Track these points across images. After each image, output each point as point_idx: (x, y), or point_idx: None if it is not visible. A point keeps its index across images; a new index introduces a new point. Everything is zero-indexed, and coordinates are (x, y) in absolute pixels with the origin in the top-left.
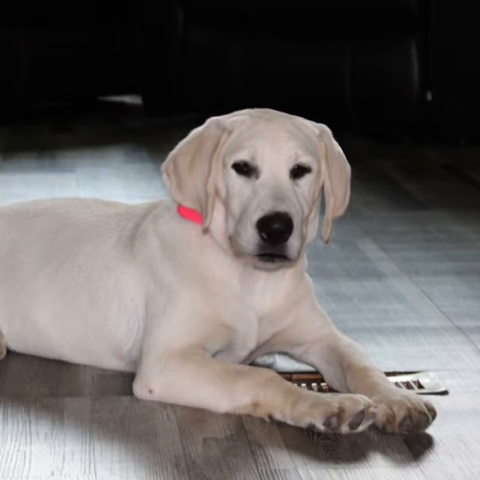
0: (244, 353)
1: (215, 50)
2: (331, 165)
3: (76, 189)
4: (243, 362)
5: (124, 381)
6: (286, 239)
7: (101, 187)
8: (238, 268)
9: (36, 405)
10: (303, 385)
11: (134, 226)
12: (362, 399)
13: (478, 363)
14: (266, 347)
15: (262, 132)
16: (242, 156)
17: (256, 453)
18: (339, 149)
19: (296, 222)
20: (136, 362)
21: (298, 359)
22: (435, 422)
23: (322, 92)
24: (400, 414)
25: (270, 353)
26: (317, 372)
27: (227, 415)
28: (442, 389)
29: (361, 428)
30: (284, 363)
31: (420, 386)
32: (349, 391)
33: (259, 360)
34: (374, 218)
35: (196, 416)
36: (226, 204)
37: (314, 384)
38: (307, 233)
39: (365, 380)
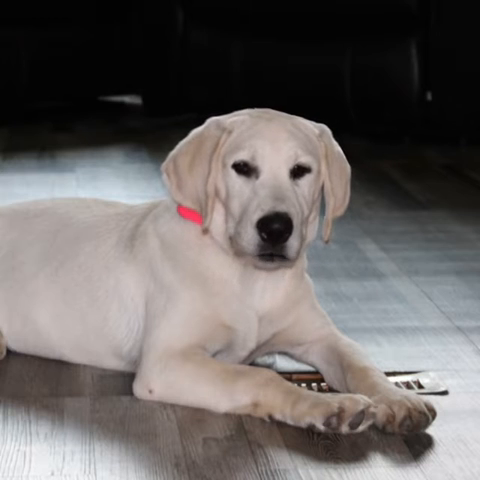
0: (244, 353)
1: (215, 50)
2: (331, 165)
3: (76, 189)
4: (243, 362)
5: (124, 381)
6: (286, 239)
7: (101, 187)
8: (238, 268)
9: (36, 405)
10: (303, 385)
11: (134, 226)
12: (362, 399)
13: (478, 363)
14: (266, 347)
15: (262, 132)
16: (242, 156)
17: (256, 453)
18: (339, 149)
19: (296, 222)
20: (136, 362)
21: (298, 359)
22: (435, 422)
23: (322, 92)
24: (400, 414)
25: (270, 353)
26: (317, 372)
27: (227, 415)
28: (442, 389)
29: (361, 428)
30: (284, 363)
31: (420, 386)
32: (349, 391)
33: (259, 360)
34: (374, 218)
35: (196, 416)
36: (226, 204)
37: (314, 384)
38: (307, 233)
39: (365, 380)
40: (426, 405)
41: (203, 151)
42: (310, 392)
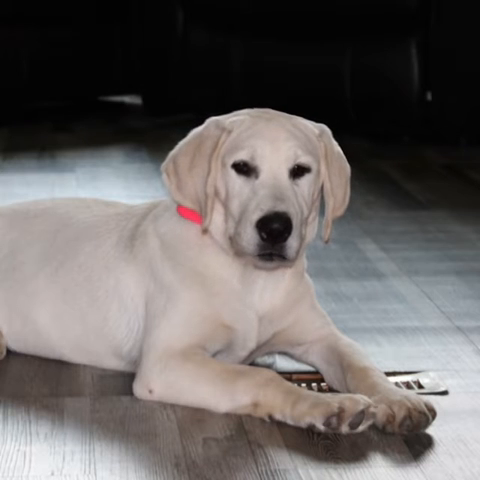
0: (244, 353)
1: (215, 50)
2: (331, 165)
3: (76, 189)
4: (243, 362)
5: (124, 381)
6: (285, 239)
7: (101, 187)
8: (238, 268)
9: (36, 405)
10: (303, 385)
11: (134, 226)
12: (362, 399)
13: (478, 363)
14: (266, 347)
15: (262, 132)
16: (241, 156)
17: (256, 453)
18: (339, 149)
19: (295, 222)
20: (136, 362)
21: (298, 359)
22: (435, 422)
23: (322, 92)
24: (400, 414)
25: (270, 353)
26: (317, 372)
27: (227, 415)
28: (442, 389)
29: (361, 428)
30: (284, 363)
31: (420, 386)
32: (349, 391)
33: (259, 360)
34: (374, 218)
35: (196, 416)
36: (225, 204)
37: (314, 384)
38: (306, 233)
39: (365, 380)
40: (426, 405)
41: (203, 151)
42: (310, 392)
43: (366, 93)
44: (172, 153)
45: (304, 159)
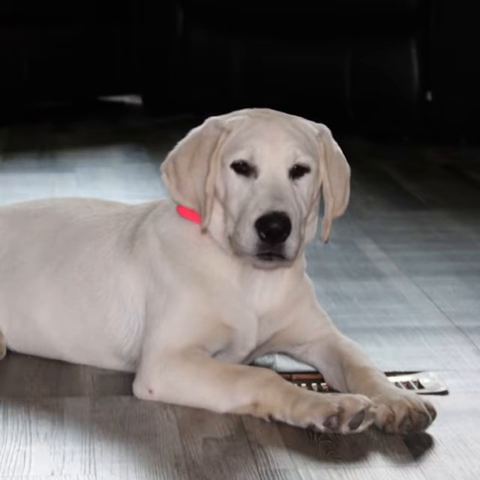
0: (244, 353)
1: (215, 50)
2: (330, 165)
3: (76, 189)
4: (243, 362)
5: (124, 381)
6: (284, 239)
7: (101, 187)
8: (237, 267)
9: (36, 405)
10: (303, 385)
11: (134, 226)
12: (362, 399)
13: (478, 363)
14: (266, 347)
15: (261, 132)
16: (241, 156)
17: (256, 453)
18: (338, 149)
19: (294, 222)
20: (136, 362)
21: (298, 359)
22: (435, 422)
23: (322, 92)
24: (400, 414)
25: (270, 353)
26: (317, 372)
27: (227, 415)
28: (442, 389)
29: (361, 428)
30: (284, 363)
31: (420, 386)
32: (349, 391)
33: (259, 360)
34: (374, 218)
35: (196, 416)
36: (225, 204)
37: (314, 384)
38: (305, 234)
39: (365, 380)
40: (426, 405)
41: (202, 151)
42: (310, 392)
43: (366, 93)
44: (172, 153)
45: (303, 159)
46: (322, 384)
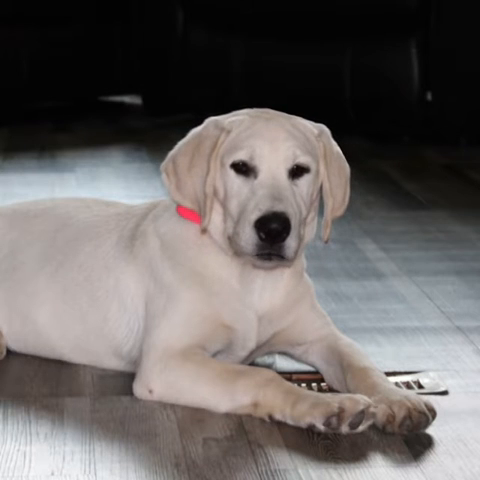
0: (244, 353)
1: (215, 50)
2: (330, 165)
3: (76, 189)
4: (243, 362)
5: (124, 381)
6: (284, 239)
7: (101, 187)
8: (237, 267)
9: (36, 405)
10: (303, 385)
11: (134, 226)
12: (362, 399)
13: (478, 363)
14: (266, 347)
15: (261, 132)
16: (240, 156)
17: (256, 453)
18: (338, 149)
19: (294, 223)
20: (136, 362)
21: (298, 359)
22: (435, 422)
23: (322, 92)
24: (400, 414)
25: (270, 353)
26: (317, 372)
27: (227, 415)
28: (442, 389)
29: (361, 428)
30: (284, 363)
31: (420, 386)
32: (349, 391)
33: (259, 360)
34: (374, 218)
35: (196, 416)
36: (224, 204)
37: (314, 384)
38: (305, 234)
39: (365, 380)
40: (426, 405)
41: (202, 151)
42: (310, 392)
43: (366, 93)
44: (171, 153)
45: (303, 159)
46: (322, 384)
